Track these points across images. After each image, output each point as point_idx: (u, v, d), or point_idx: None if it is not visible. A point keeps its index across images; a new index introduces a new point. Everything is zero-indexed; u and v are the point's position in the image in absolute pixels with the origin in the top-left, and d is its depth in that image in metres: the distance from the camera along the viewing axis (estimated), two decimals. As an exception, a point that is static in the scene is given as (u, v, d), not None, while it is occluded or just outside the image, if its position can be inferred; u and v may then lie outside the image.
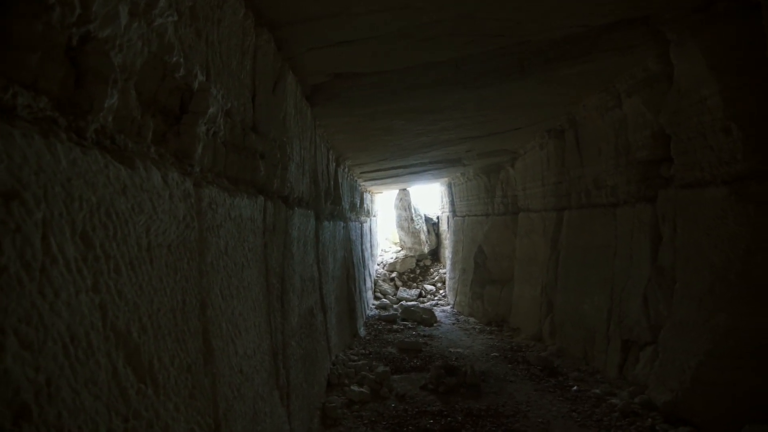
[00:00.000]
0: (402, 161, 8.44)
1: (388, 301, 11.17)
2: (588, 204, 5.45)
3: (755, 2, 2.63)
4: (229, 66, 2.07)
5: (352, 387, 4.50)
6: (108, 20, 1.12)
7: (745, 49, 2.85)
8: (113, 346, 1.10)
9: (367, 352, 6.28)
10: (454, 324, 8.66)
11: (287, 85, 3.17)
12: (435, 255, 15.14)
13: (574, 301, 5.68)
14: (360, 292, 8.37)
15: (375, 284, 12.56)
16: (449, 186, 12.36)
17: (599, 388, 4.36)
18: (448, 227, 12.98)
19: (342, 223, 6.76)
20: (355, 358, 5.78)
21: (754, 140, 2.91)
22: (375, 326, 8.16)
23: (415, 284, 13.43)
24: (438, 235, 15.30)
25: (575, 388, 4.49)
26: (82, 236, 1.03)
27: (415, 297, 12.20)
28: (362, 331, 7.57)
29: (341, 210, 6.57)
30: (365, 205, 10.94)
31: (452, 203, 12.23)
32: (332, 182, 6.04)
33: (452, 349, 6.39)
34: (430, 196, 17.09)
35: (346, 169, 7.78)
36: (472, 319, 9.05)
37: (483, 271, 9.42)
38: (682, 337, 3.49)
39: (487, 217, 9.53)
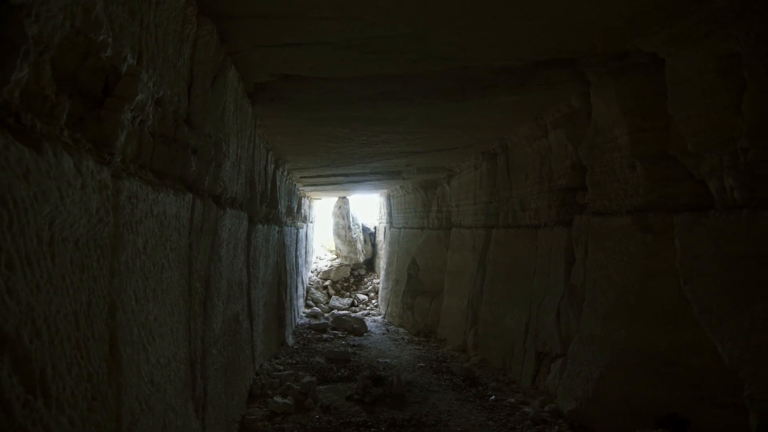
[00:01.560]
0: (343, 169, 8.43)
1: (319, 310, 10.99)
2: (514, 224, 5.84)
3: (662, 58, 3.05)
4: (165, 52, 1.95)
5: (275, 398, 4.34)
6: (23, -15, 1.00)
7: (652, 97, 3.27)
8: (-3, 351, 0.96)
9: (295, 361, 6.11)
10: (384, 334, 8.73)
11: (228, 80, 3.04)
12: (370, 265, 15.21)
13: (497, 314, 6.01)
14: (291, 299, 8.15)
15: (307, 292, 12.31)
16: (388, 198, 12.56)
17: (514, 398, 4.63)
18: (384, 238, 13.15)
19: (277, 228, 6.56)
20: (281, 368, 5.59)
21: (654, 177, 3.33)
22: (304, 335, 7.97)
23: (348, 293, 13.36)
24: (374, 245, 15.42)
25: (493, 397, 4.73)
26: (-33, 224, 0.90)
27: (347, 306, 12.13)
28: (290, 340, 7.36)
29: (277, 214, 6.39)
30: (303, 211, 10.73)
31: (390, 215, 12.43)
32: (269, 185, 5.86)
33: (381, 359, 6.43)
34: (369, 206, 17.24)
35: (286, 173, 7.60)
36: (402, 330, 9.19)
37: (415, 283, 9.65)
38: (587, 351, 3.83)
39: (422, 230, 9.81)
